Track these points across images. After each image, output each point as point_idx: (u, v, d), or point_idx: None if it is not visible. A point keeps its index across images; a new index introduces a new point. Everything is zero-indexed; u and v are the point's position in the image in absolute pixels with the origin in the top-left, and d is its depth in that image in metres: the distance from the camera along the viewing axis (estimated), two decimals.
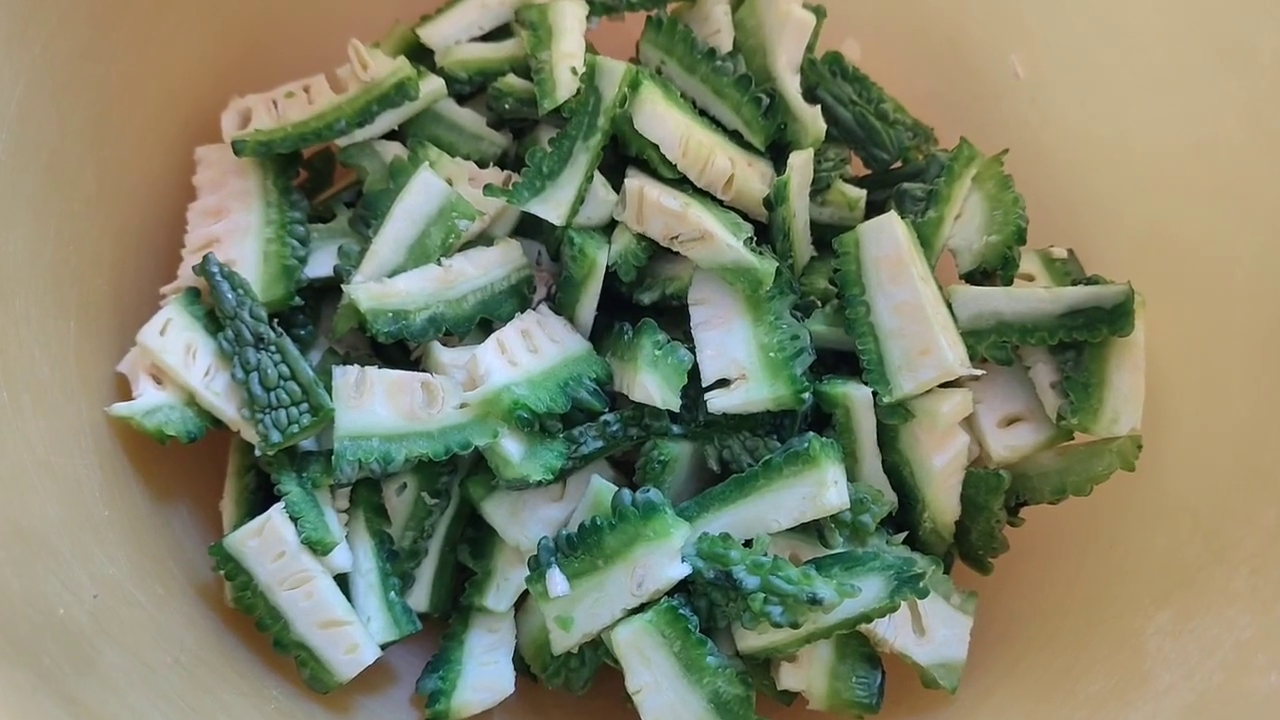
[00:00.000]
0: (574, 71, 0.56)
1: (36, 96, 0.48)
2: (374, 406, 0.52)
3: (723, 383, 0.52)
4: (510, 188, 0.55)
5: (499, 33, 0.62)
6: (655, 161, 0.55)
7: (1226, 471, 0.49)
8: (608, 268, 0.55)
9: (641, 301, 0.56)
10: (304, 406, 0.52)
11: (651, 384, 0.52)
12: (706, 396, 0.52)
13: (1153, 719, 0.43)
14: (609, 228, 0.56)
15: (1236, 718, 0.40)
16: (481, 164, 0.59)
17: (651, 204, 0.53)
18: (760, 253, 0.53)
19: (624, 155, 0.57)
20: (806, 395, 0.52)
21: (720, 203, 0.56)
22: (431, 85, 0.58)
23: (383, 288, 0.53)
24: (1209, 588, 0.46)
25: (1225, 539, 0.47)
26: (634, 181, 0.54)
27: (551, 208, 0.54)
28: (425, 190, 0.55)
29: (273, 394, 0.52)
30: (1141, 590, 0.49)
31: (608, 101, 0.54)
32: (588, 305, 0.56)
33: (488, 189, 0.55)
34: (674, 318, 0.56)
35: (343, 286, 0.54)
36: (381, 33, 0.63)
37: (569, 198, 0.54)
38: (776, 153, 0.59)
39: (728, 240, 0.52)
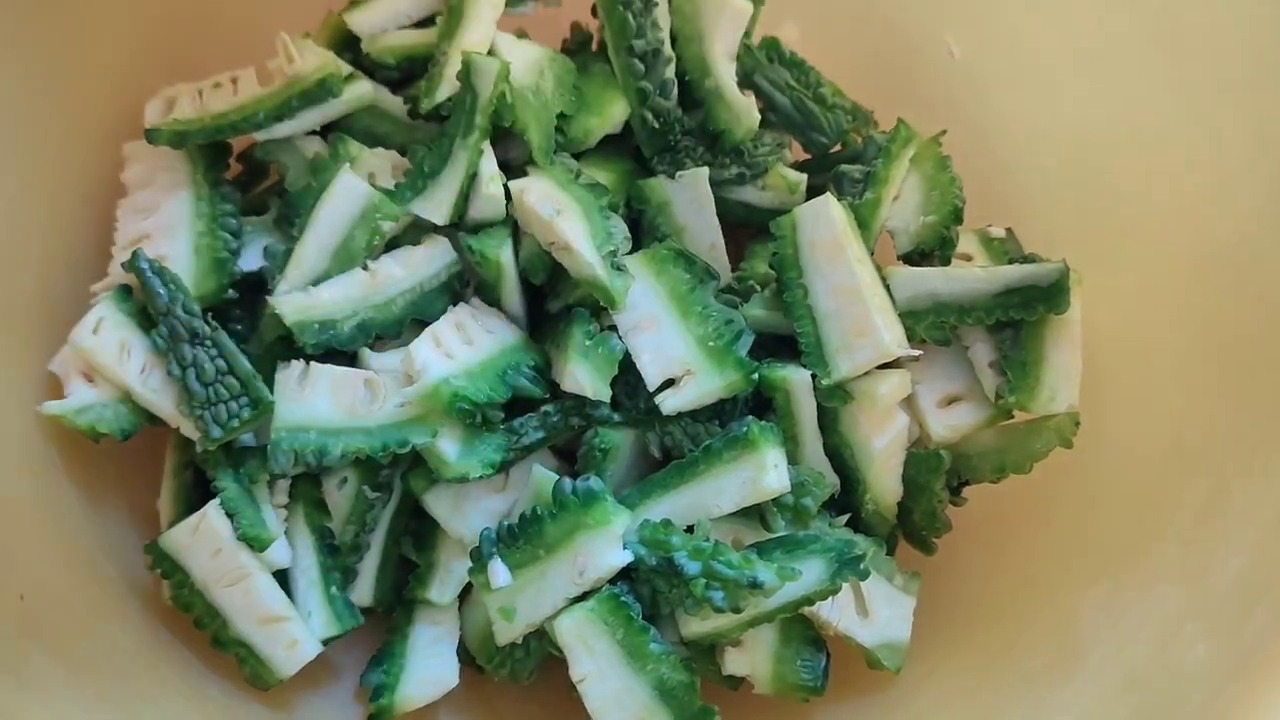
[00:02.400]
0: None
1: None
2: (315, 400, 0.51)
3: (669, 382, 0.52)
4: (394, 188, 0.54)
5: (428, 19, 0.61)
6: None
7: (1157, 448, 0.49)
8: (521, 271, 0.55)
9: (550, 310, 0.56)
10: (243, 400, 0.51)
11: (582, 374, 0.52)
12: (658, 400, 0.52)
13: (1084, 693, 0.43)
14: (515, 224, 0.56)
15: (1164, 689, 0.41)
16: (405, 153, 0.58)
17: (529, 209, 0.53)
18: (620, 268, 0.53)
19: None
20: (755, 375, 0.52)
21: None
22: (359, 89, 0.57)
23: (308, 298, 0.53)
24: (1140, 563, 0.46)
25: (1156, 514, 0.47)
26: (519, 183, 0.54)
27: (433, 207, 0.54)
28: (346, 193, 0.54)
29: (210, 389, 0.51)
30: (1078, 567, 0.50)
31: (484, 100, 0.53)
32: (511, 301, 0.56)
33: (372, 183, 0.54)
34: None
35: (267, 299, 0.53)
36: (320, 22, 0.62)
37: (450, 197, 0.54)
38: (710, 141, 0.59)
39: (587, 255, 0.51)
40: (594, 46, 0.62)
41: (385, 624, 0.56)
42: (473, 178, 0.54)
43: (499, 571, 0.50)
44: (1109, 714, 0.42)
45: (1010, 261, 0.56)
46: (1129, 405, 0.52)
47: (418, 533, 0.56)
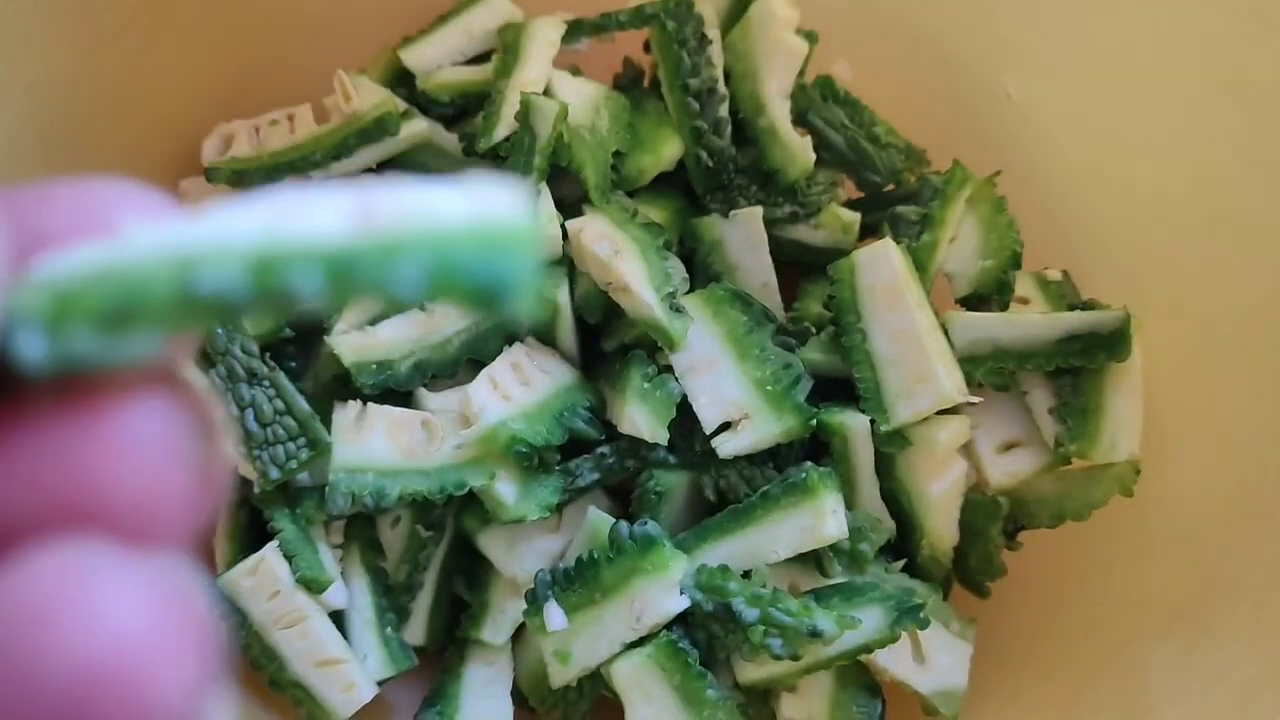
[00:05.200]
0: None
1: (23, 133, 0.48)
2: (372, 441, 0.51)
3: (725, 425, 0.52)
4: None
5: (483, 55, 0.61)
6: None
7: (1226, 500, 0.49)
8: (576, 310, 0.55)
9: (605, 349, 0.56)
10: (301, 441, 0.51)
11: (640, 417, 0.52)
12: (714, 443, 0.52)
13: None
14: (570, 263, 0.55)
15: None
16: None
17: (586, 249, 0.53)
18: (679, 310, 0.52)
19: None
20: (813, 422, 0.52)
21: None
22: (415, 127, 0.57)
23: (365, 338, 0.53)
24: (1211, 621, 0.46)
25: (1227, 570, 0.47)
26: (576, 223, 0.54)
27: None
28: None
29: (269, 430, 0.51)
30: (1143, 621, 0.49)
31: (542, 141, 0.53)
32: (566, 340, 0.56)
33: None
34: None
35: (325, 338, 0.53)
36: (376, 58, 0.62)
37: None
38: (764, 179, 0.58)
39: (645, 297, 0.51)
40: (646, 83, 0.62)
41: (437, 663, 0.56)
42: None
43: (555, 615, 0.50)
44: None
45: (1069, 306, 0.55)
46: (1194, 456, 0.52)
47: (470, 572, 0.56)
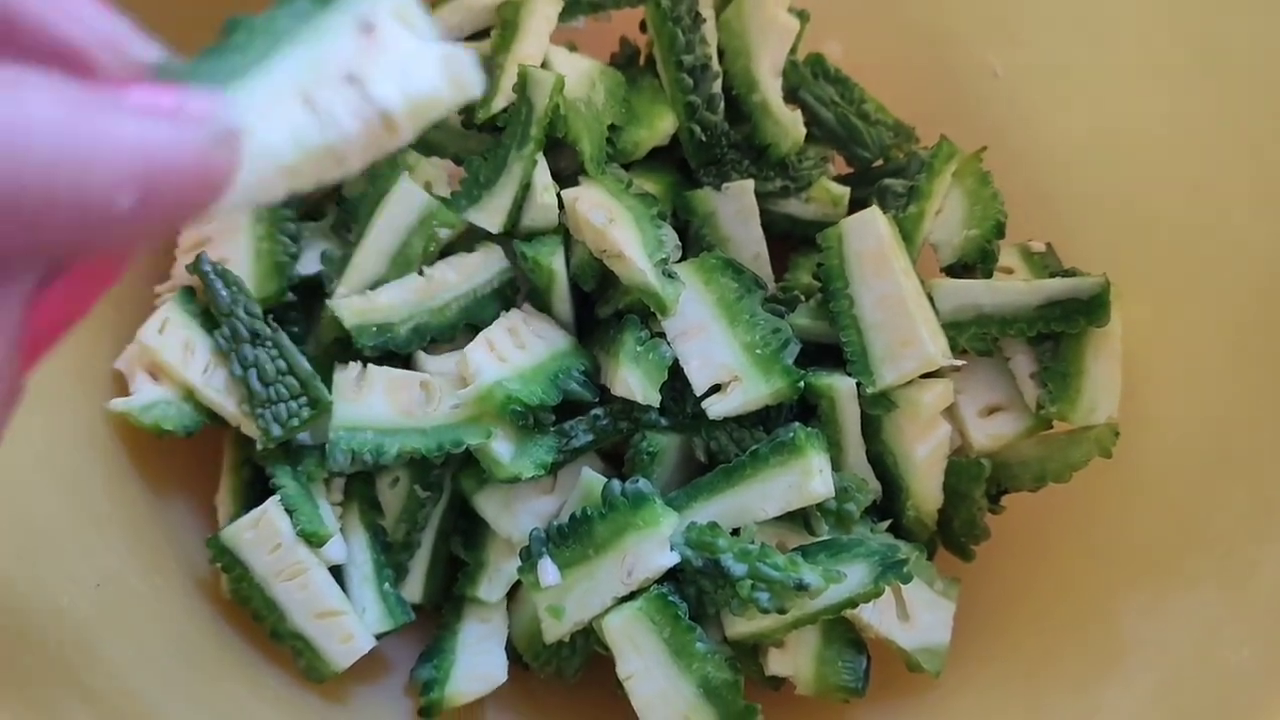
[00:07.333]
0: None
1: None
2: (372, 401, 0.53)
3: (716, 388, 0.53)
4: (449, 196, 0.56)
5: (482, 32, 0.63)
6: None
7: (1199, 456, 0.50)
8: (572, 277, 0.57)
9: (600, 315, 0.58)
10: (303, 400, 0.52)
11: (633, 380, 0.53)
12: (704, 404, 0.53)
13: (1127, 694, 0.44)
14: (567, 233, 0.57)
15: (1207, 690, 0.42)
16: (459, 161, 0.59)
17: (581, 217, 0.54)
18: (671, 276, 0.54)
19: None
20: (801, 384, 0.53)
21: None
22: None
23: (366, 301, 0.54)
24: (1182, 568, 0.47)
25: (1197, 520, 0.48)
26: (571, 192, 0.55)
27: (488, 216, 0.55)
28: (406, 201, 0.55)
29: (271, 389, 0.52)
30: (1118, 573, 0.51)
31: (539, 112, 0.55)
32: (561, 307, 0.57)
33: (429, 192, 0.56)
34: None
35: (326, 301, 0.55)
36: None
37: (505, 206, 0.55)
38: (756, 154, 0.60)
39: (638, 263, 0.53)
40: (641, 61, 0.64)
41: (435, 620, 0.57)
42: (526, 187, 0.55)
43: (548, 570, 0.51)
44: (1151, 716, 0.43)
45: (1051, 275, 0.57)
46: (1168, 415, 0.53)
47: (467, 532, 0.57)
